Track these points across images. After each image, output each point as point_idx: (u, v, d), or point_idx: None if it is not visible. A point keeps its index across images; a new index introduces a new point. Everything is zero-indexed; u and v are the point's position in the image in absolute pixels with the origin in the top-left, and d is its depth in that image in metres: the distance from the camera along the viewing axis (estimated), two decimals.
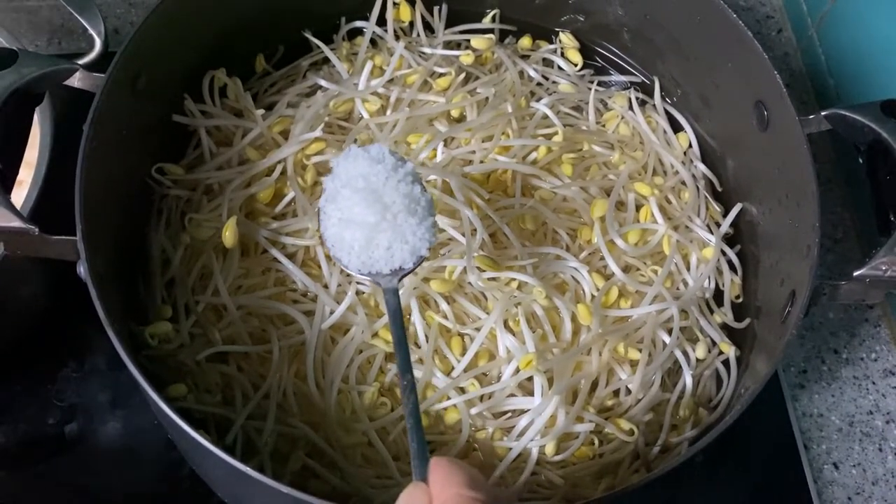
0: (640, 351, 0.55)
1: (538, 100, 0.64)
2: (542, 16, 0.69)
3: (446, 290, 0.55)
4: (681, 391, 0.56)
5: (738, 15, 0.58)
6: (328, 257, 0.56)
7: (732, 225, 0.61)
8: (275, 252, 0.56)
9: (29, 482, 0.59)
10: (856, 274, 0.49)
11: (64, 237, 0.46)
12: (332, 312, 0.54)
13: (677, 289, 0.59)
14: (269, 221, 0.58)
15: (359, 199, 0.46)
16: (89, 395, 0.62)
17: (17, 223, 0.46)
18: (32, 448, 0.60)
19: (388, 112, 0.62)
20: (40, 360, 0.63)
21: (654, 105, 0.67)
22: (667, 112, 0.66)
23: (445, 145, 0.60)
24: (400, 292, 0.53)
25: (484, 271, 0.55)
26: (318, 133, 0.59)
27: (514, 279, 0.56)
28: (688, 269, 0.60)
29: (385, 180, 0.47)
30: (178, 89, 0.60)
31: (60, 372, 0.62)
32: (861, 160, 0.53)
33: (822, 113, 0.54)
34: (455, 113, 0.63)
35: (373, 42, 0.66)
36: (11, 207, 0.46)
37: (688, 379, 0.56)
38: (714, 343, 0.58)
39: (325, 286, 0.56)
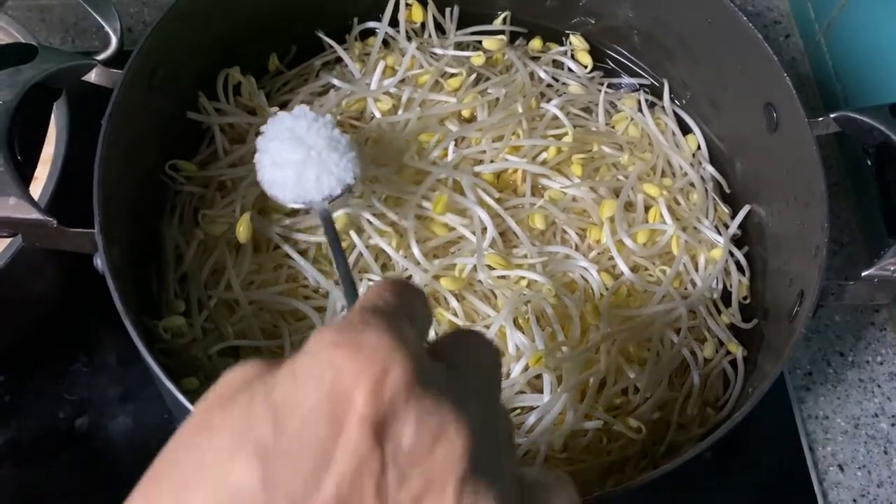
0: (649, 350, 0.56)
1: (548, 101, 0.65)
2: (553, 18, 0.69)
3: (456, 287, 0.56)
4: (688, 390, 0.56)
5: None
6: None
7: (740, 226, 0.62)
8: (287, 248, 0.57)
9: (39, 476, 0.60)
10: (864, 274, 0.49)
11: (82, 230, 0.47)
12: (343, 308, 0.55)
13: (685, 289, 0.60)
14: (281, 218, 0.58)
15: (286, 146, 0.50)
16: (99, 389, 0.62)
17: (35, 215, 0.46)
18: (43, 442, 0.61)
19: (400, 111, 0.62)
20: (51, 355, 0.63)
21: (663, 107, 0.67)
22: (676, 114, 0.67)
23: (456, 145, 0.61)
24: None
25: (494, 269, 0.56)
26: None
27: (524, 277, 0.56)
28: (696, 269, 0.60)
29: (307, 129, 0.50)
30: (192, 86, 0.61)
31: (71, 367, 0.63)
32: (869, 162, 0.54)
33: (832, 115, 0.54)
34: (466, 113, 0.63)
35: (385, 42, 0.67)
36: (30, 200, 0.46)
37: (695, 378, 0.56)
38: (721, 343, 0.58)
39: (337, 282, 0.56)
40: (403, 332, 0.27)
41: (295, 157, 0.50)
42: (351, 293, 0.44)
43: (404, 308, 0.29)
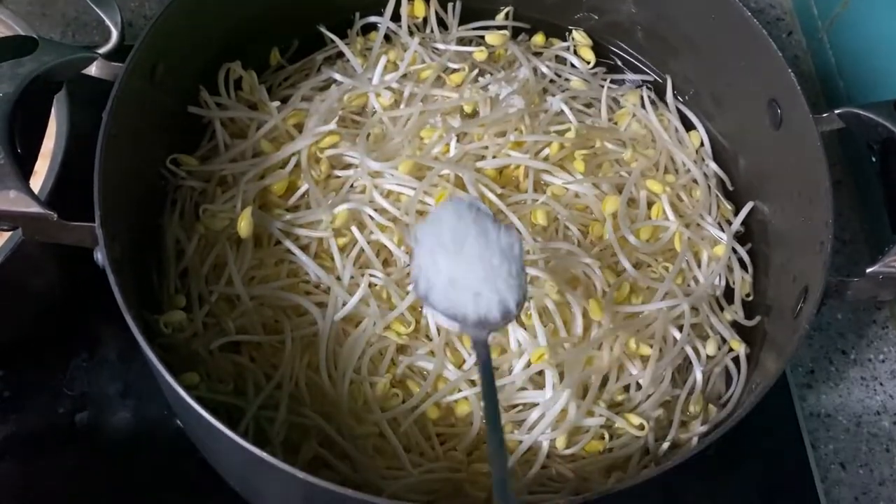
0: (651, 347, 0.55)
1: (551, 97, 0.64)
2: (556, 13, 0.69)
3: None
4: (691, 387, 0.56)
5: None
6: (341, 249, 0.57)
7: (743, 223, 0.62)
8: (288, 243, 0.57)
9: (39, 471, 0.60)
10: (868, 271, 0.49)
11: (82, 223, 0.47)
12: (344, 304, 0.55)
13: (688, 286, 0.59)
14: (282, 213, 0.58)
15: (446, 249, 0.45)
16: (100, 385, 0.62)
17: (36, 208, 0.46)
18: (43, 437, 0.61)
19: (402, 106, 0.62)
20: (51, 350, 0.63)
21: (666, 103, 0.67)
22: (679, 110, 0.67)
23: (458, 140, 0.60)
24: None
25: None
26: (332, 126, 0.60)
27: (526, 274, 0.56)
28: (699, 266, 0.60)
29: (467, 230, 0.45)
30: (193, 81, 0.61)
31: (71, 362, 0.63)
32: (874, 159, 0.54)
33: (836, 111, 0.54)
34: (468, 108, 0.63)
35: (387, 37, 0.67)
36: (31, 193, 0.46)
37: (698, 375, 0.56)
38: (724, 340, 0.58)
39: (338, 278, 0.56)
40: None
41: (452, 266, 0.44)
42: (500, 456, 0.39)
43: None
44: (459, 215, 0.46)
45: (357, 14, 0.67)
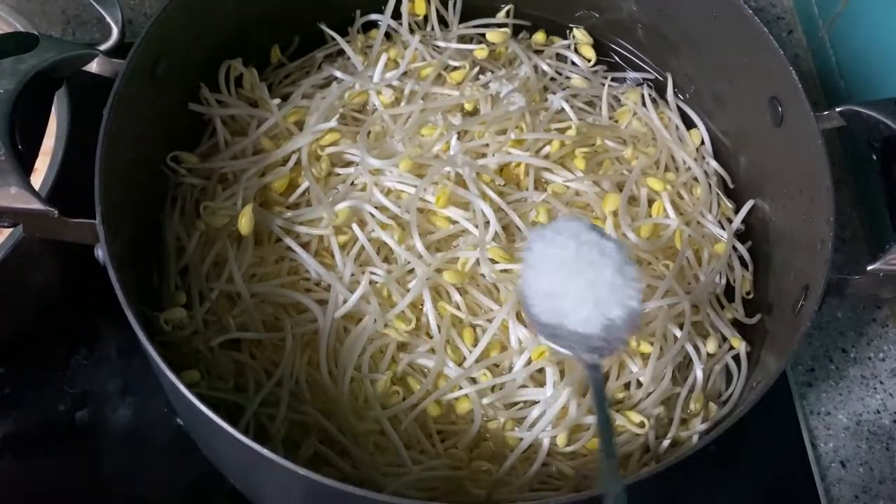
0: (652, 344, 0.55)
1: (552, 94, 0.64)
2: (557, 11, 0.69)
3: (459, 281, 0.55)
4: (691, 385, 0.56)
5: None
6: (341, 247, 0.57)
7: (744, 221, 0.62)
8: (289, 241, 0.57)
9: (39, 468, 0.60)
10: (869, 268, 0.49)
11: (83, 220, 0.47)
12: (345, 301, 0.55)
13: (689, 284, 0.59)
14: (283, 211, 0.58)
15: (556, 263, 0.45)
16: (100, 382, 0.62)
17: (36, 205, 0.46)
18: (43, 434, 0.61)
19: (403, 104, 0.62)
20: (52, 348, 0.63)
21: (667, 101, 0.67)
22: (679, 108, 0.67)
23: (459, 138, 0.60)
24: (413, 284, 0.54)
25: (496, 263, 0.56)
26: (332, 124, 0.60)
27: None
28: (699, 264, 0.60)
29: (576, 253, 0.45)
30: (194, 78, 0.61)
31: (71, 359, 0.63)
32: (875, 157, 0.54)
33: (837, 109, 0.54)
34: (469, 106, 0.63)
35: (387, 35, 0.67)
36: (32, 190, 0.46)
37: (698, 373, 0.56)
38: (725, 338, 0.58)
39: (339, 276, 0.56)
40: None
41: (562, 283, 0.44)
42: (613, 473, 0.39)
43: None
44: (575, 236, 0.46)
45: (358, 12, 0.67)
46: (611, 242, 0.46)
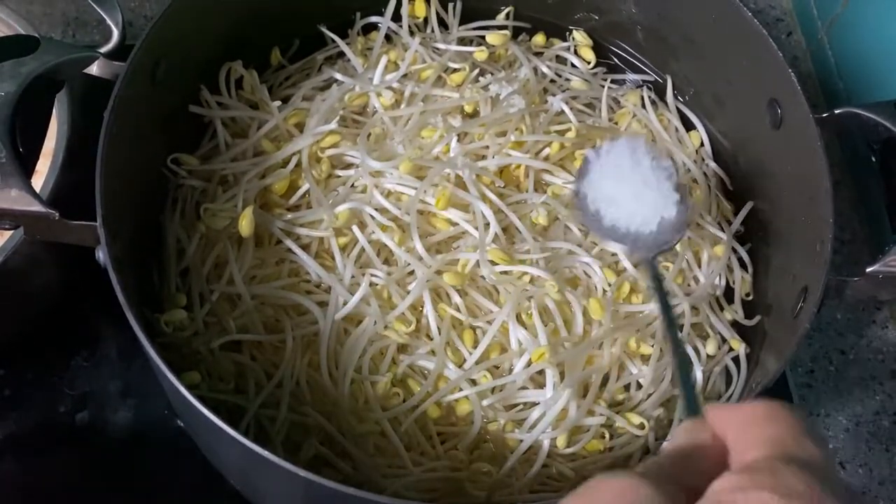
0: (652, 346, 0.56)
1: (552, 96, 0.65)
2: (557, 13, 0.69)
3: (459, 282, 0.55)
4: None
5: None
6: (342, 248, 0.57)
7: (743, 223, 0.62)
8: (289, 243, 0.57)
9: (39, 470, 0.60)
10: (868, 270, 0.49)
11: (84, 222, 0.47)
12: (345, 303, 0.55)
13: (688, 285, 0.59)
14: (283, 213, 0.58)
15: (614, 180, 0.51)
16: (100, 384, 0.62)
17: (37, 207, 0.46)
18: (43, 436, 0.61)
19: (403, 106, 0.62)
20: (52, 349, 0.63)
21: (666, 103, 0.67)
22: (679, 110, 0.67)
23: (459, 140, 0.61)
24: (413, 286, 0.54)
25: (496, 265, 0.56)
26: (332, 126, 0.60)
27: (527, 273, 0.56)
28: (699, 266, 0.60)
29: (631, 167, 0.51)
30: (195, 80, 0.61)
31: (72, 361, 0.63)
32: (874, 158, 0.54)
33: (836, 111, 0.54)
34: (469, 108, 0.63)
35: (388, 37, 0.67)
36: (32, 192, 0.46)
37: (698, 375, 0.56)
38: (724, 340, 0.58)
39: (339, 278, 0.56)
40: None
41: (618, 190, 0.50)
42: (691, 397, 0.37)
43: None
44: (631, 149, 0.51)
45: (358, 14, 0.67)
46: (655, 155, 0.51)
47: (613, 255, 0.59)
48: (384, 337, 0.54)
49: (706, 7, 0.61)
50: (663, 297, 0.45)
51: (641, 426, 0.53)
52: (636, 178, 0.50)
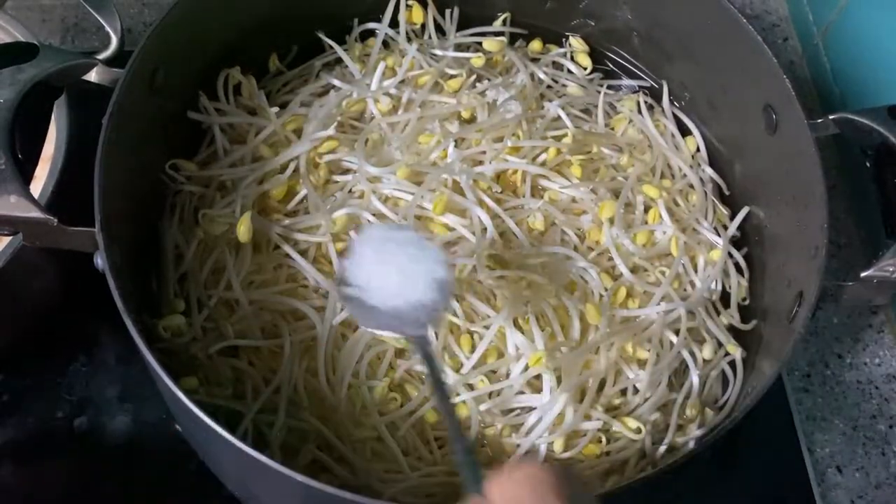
0: (648, 351, 0.56)
1: (548, 102, 0.65)
2: (553, 20, 0.70)
3: (456, 287, 0.56)
4: (687, 391, 0.56)
5: None
6: (339, 254, 0.57)
7: (739, 228, 0.62)
8: (287, 248, 0.57)
9: (38, 475, 0.60)
10: (863, 275, 0.49)
11: (82, 228, 0.47)
12: (342, 308, 0.55)
13: (685, 290, 0.60)
14: (281, 218, 0.58)
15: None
16: (98, 389, 0.62)
17: (36, 213, 0.46)
18: (42, 441, 0.61)
19: (400, 112, 0.63)
20: (50, 355, 0.63)
21: (662, 109, 0.67)
22: (675, 116, 0.67)
23: (456, 145, 0.61)
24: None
25: (493, 270, 0.56)
26: (330, 132, 0.60)
27: (524, 278, 0.56)
28: (695, 270, 0.60)
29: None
30: (193, 86, 0.61)
31: (70, 366, 0.63)
32: (868, 164, 0.54)
33: (831, 117, 0.54)
34: (466, 114, 0.63)
35: (385, 44, 0.67)
36: (31, 198, 0.46)
37: (694, 379, 0.57)
38: (721, 344, 0.58)
39: (340, 281, 0.56)
40: None
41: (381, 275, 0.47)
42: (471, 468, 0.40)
43: None
44: (385, 235, 0.50)
45: (355, 20, 0.68)
46: (406, 230, 0.51)
47: (610, 260, 0.59)
48: (381, 342, 0.55)
49: (702, 13, 0.61)
50: (440, 382, 0.44)
51: (638, 430, 0.53)
52: (388, 259, 0.48)
